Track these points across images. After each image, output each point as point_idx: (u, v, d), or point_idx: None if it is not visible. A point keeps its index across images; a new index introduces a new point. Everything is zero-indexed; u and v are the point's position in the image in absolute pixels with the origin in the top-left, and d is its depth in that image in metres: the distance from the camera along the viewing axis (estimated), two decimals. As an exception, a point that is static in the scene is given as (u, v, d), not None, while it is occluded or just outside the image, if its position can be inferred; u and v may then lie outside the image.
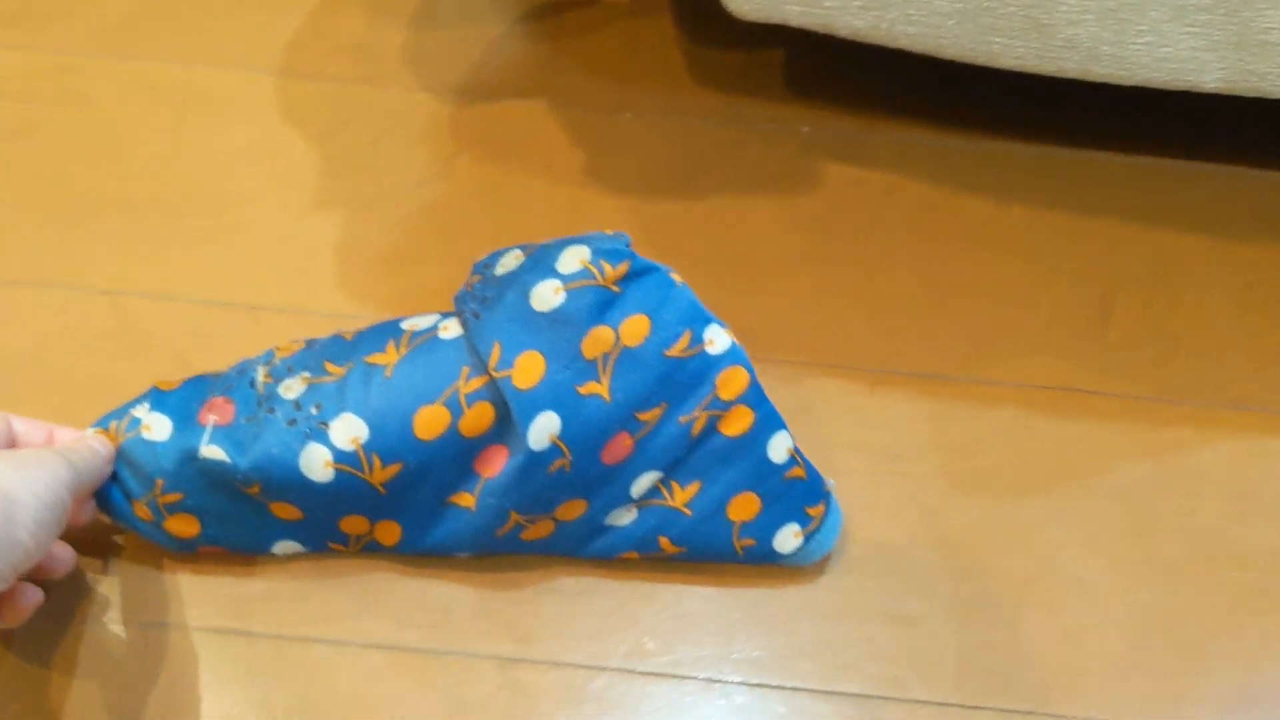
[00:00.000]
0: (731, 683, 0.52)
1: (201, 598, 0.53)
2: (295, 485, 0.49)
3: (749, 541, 0.53)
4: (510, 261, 0.53)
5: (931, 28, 0.61)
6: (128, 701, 0.50)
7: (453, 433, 0.49)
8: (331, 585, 0.53)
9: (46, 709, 0.49)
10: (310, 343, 0.54)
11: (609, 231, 0.53)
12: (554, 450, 0.49)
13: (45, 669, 0.51)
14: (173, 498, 0.49)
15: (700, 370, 0.51)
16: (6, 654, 0.51)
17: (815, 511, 0.53)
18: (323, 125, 0.72)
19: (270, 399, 0.50)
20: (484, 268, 0.54)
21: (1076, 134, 0.74)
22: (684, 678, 0.52)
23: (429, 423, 0.49)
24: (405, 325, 0.53)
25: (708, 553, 0.53)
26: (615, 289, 0.50)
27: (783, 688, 0.52)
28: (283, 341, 0.54)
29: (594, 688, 0.51)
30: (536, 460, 0.49)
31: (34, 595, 0.48)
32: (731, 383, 0.51)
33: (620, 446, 0.51)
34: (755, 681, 0.52)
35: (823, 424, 0.60)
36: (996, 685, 0.52)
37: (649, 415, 0.51)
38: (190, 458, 0.49)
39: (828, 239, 0.68)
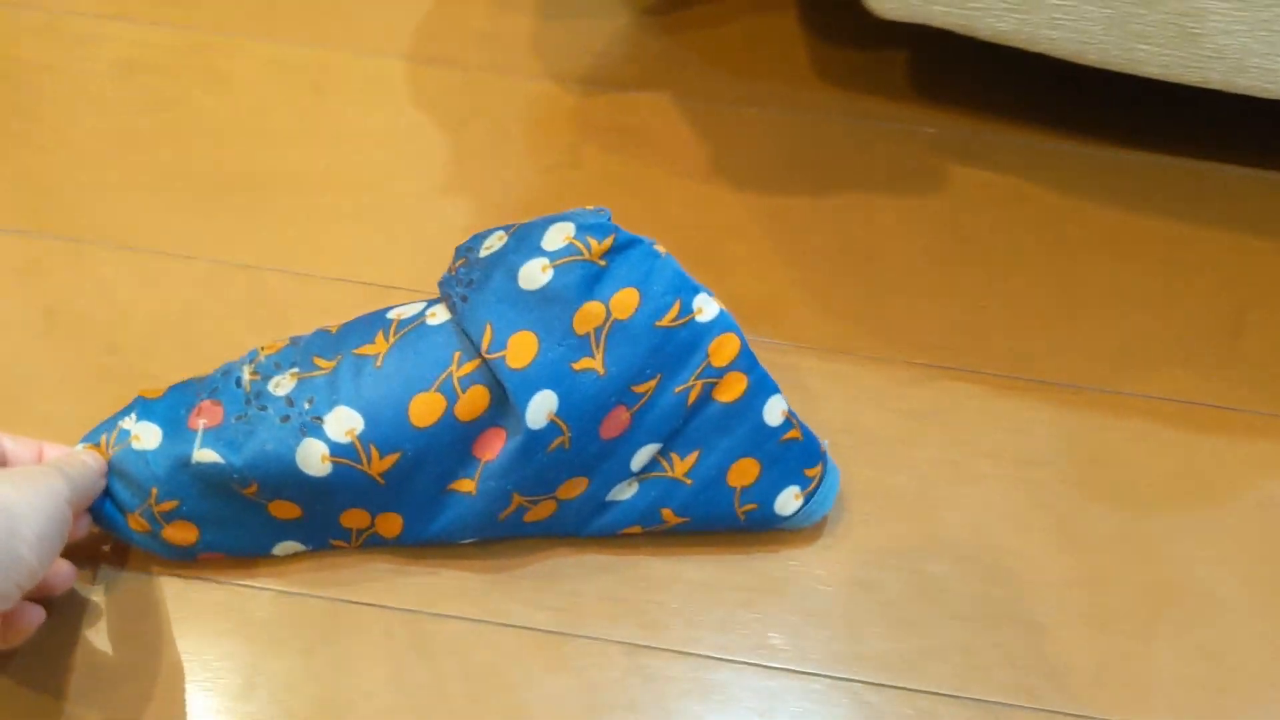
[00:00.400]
0: (860, 682, 0.52)
1: (331, 571, 0.53)
2: (293, 482, 0.49)
3: (750, 506, 0.53)
4: (494, 242, 0.53)
5: (1077, 32, 0.61)
6: (266, 664, 0.51)
7: (449, 418, 0.49)
8: (461, 565, 0.53)
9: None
10: (295, 339, 0.54)
11: (590, 207, 0.53)
12: (552, 428, 0.49)
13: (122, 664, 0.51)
14: (168, 505, 0.49)
15: (692, 339, 0.51)
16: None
17: (813, 473, 0.53)
18: (452, 111, 0.72)
19: (260, 396, 0.50)
20: (467, 250, 0.54)
21: (1206, 144, 0.72)
22: (811, 674, 0.52)
23: (424, 410, 0.49)
24: (391, 315, 0.53)
25: (710, 521, 0.53)
26: (602, 263, 0.50)
27: (911, 690, 0.52)
28: (265, 341, 0.54)
29: (720, 679, 0.51)
30: (536, 439, 0.49)
31: (36, 614, 0.47)
32: (723, 349, 0.51)
33: (618, 420, 0.50)
34: (883, 682, 0.52)
35: (952, 428, 0.60)
36: (1131, 698, 0.51)
37: (644, 387, 0.51)
38: (183, 464, 0.49)
39: (955, 241, 0.68)
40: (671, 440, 0.52)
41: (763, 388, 0.52)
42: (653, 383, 0.51)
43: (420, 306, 0.53)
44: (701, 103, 0.74)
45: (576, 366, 0.49)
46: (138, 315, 0.61)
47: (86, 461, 0.48)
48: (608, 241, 0.50)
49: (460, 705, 0.50)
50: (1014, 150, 0.73)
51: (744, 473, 0.53)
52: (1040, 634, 0.53)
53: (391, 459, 0.49)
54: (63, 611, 0.51)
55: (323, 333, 0.54)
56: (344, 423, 0.49)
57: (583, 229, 0.50)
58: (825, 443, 0.54)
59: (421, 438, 0.49)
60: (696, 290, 0.52)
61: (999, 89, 0.75)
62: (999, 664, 0.52)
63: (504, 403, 0.49)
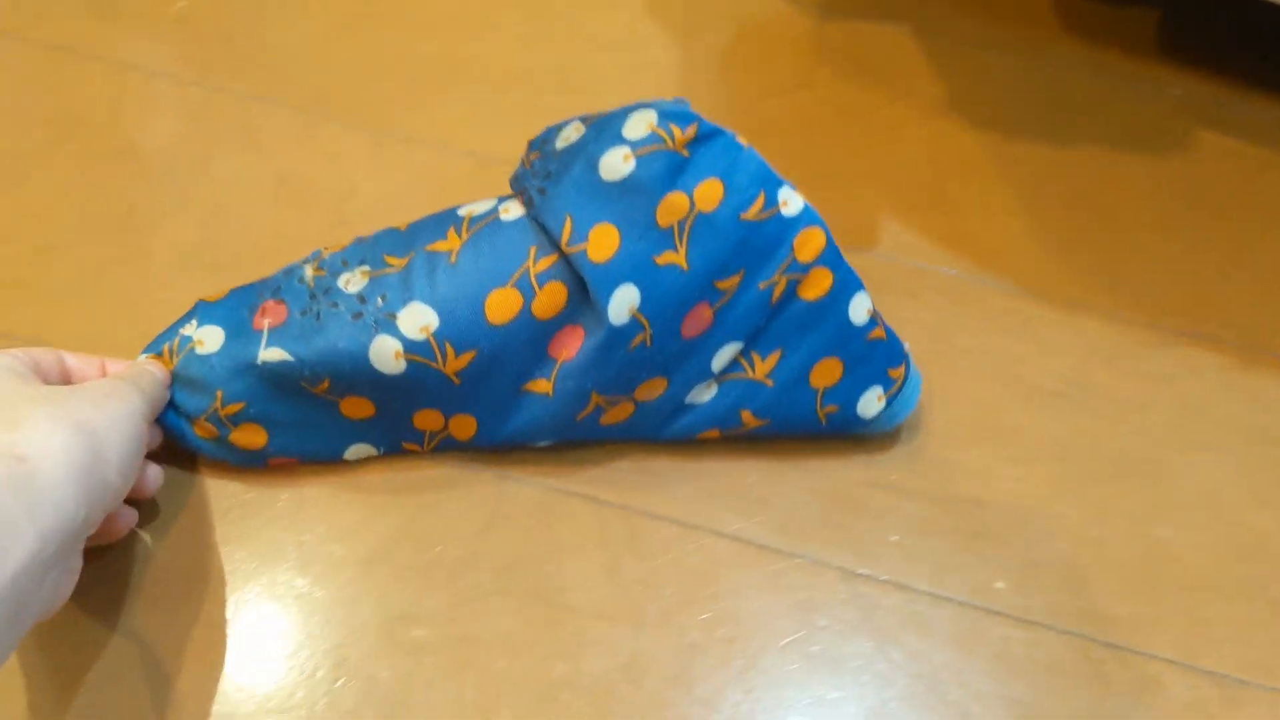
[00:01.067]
0: (1083, 637, 0.49)
1: (536, 465, 0.52)
2: (366, 379, 0.47)
3: (832, 408, 0.51)
4: (571, 134, 0.50)
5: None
6: (486, 544, 0.50)
7: (526, 315, 0.47)
8: (676, 472, 0.52)
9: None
10: (362, 238, 0.52)
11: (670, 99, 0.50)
12: (635, 324, 0.47)
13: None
14: (235, 408, 0.48)
15: (777, 233, 0.48)
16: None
17: (896, 374, 0.51)
18: (684, 22, 0.71)
19: (330, 293, 0.48)
20: (542, 143, 0.51)
21: None
22: (1033, 623, 0.50)
23: (501, 306, 0.47)
24: (462, 212, 0.51)
25: (790, 423, 0.51)
26: (685, 153, 0.47)
27: (1140, 653, 0.49)
28: (327, 242, 0.52)
29: (939, 616, 0.50)
30: (617, 336, 0.46)
31: (129, 517, 0.47)
32: (809, 244, 0.48)
33: (700, 318, 0.48)
34: (1109, 641, 0.49)
35: (1188, 395, 0.57)
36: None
37: (728, 283, 0.48)
38: (249, 365, 0.47)
39: (1198, 207, 0.65)
40: (754, 339, 0.50)
41: (848, 284, 0.49)
42: (737, 278, 0.48)
43: (493, 203, 0.51)
44: (944, 40, 0.71)
45: (660, 260, 0.47)
46: (366, 190, 0.61)
47: (154, 372, 0.47)
48: (691, 130, 0.47)
49: (673, 606, 0.49)
50: (1263, 120, 0.69)
51: (828, 372, 0.50)
52: (1276, 614, 0.50)
53: (467, 357, 0.47)
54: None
55: (392, 230, 0.52)
56: (419, 319, 0.47)
57: (665, 116, 0.47)
58: (907, 345, 0.52)
59: (498, 335, 0.47)
60: (781, 183, 0.49)
61: (1251, 55, 0.71)
62: (1230, 638, 0.50)
63: (583, 300, 0.47)
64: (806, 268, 0.49)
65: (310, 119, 0.63)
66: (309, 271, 0.50)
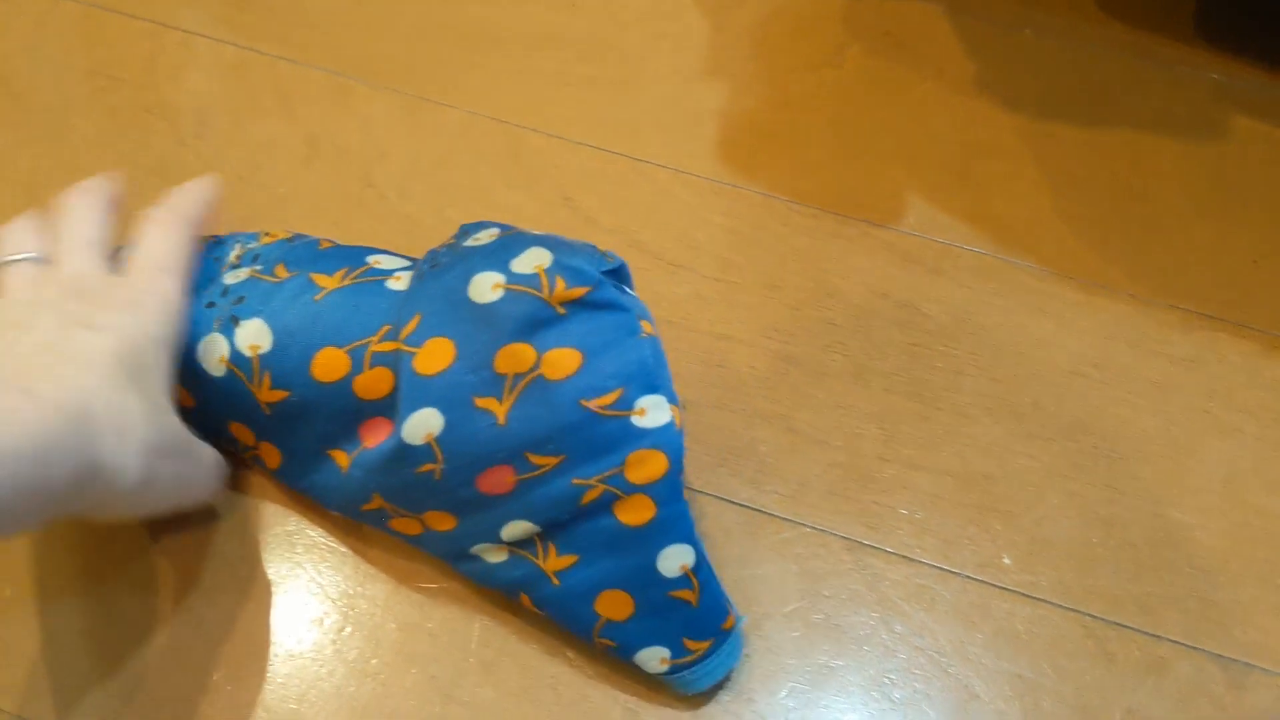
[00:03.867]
0: (1092, 616, 0.49)
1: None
2: (189, 371, 0.46)
3: (608, 643, 0.45)
4: (483, 237, 0.46)
5: None
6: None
7: (346, 385, 0.44)
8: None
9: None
10: (294, 238, 0.50)
11: (603, 250, 0.46)
12: (427, 451, 0.43)
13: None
14: None
15: (615, 437, 0.42)
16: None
17: (696, 646, 0.45)
18: (717, -4, 0.71)
19: (216, 280, 0.48)
20: (463, 234, 0.48)
21: None
22: (1039, 600, 0.50)
23: (327, 365, 0.44)
24: (370, 259, 0.48)
25: (568, 628, 0.46)
26: (560, 310, 0.43)
27: (1147, 634, 0.49)
28: (276, 229, 0.52)
29: (944, 590, 0.50)
30: (408, 453, 0.43)
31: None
32: (645, 466, 0.43)
33: (500, 479, 0.43)
34: (1116, 620, 0.49)
35: (1212, 379, 0.56)
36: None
37: (542, 460, 0.43)
38: None
39: (1232, 194, 0.64)
40: (552, 530, 0.44)
41: (672, 529, 0.44)
42: (553, 460, 0.43)
43: (398, 264, 0.48)
44: (977, 20, 0.71)
45: (479, 403, 0.43)
46: (395, 154, 0.62)
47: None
48: (578, 290, 0.43)
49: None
50: (1303, 107, 0.68)
51: (616, 605, 0.44)
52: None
53: (280, 394, 0.45)
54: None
55: (314, 244, 0.50)
56: (253, 336, 0.45)
57: (559, 266, 0.43)
58: (743, 619, 0.47)
59: (315, 389, 0.45)
60: (653, 390, 0.43)
61: (1293, 43, 0.70)
62: (1238, 622, 0.49)
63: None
64: (630, 489, 0.43)
65: (342, 82, 0.64)
66: (236, 251, 0.49)
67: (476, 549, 0.46)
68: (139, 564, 0.48)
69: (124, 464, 0.38)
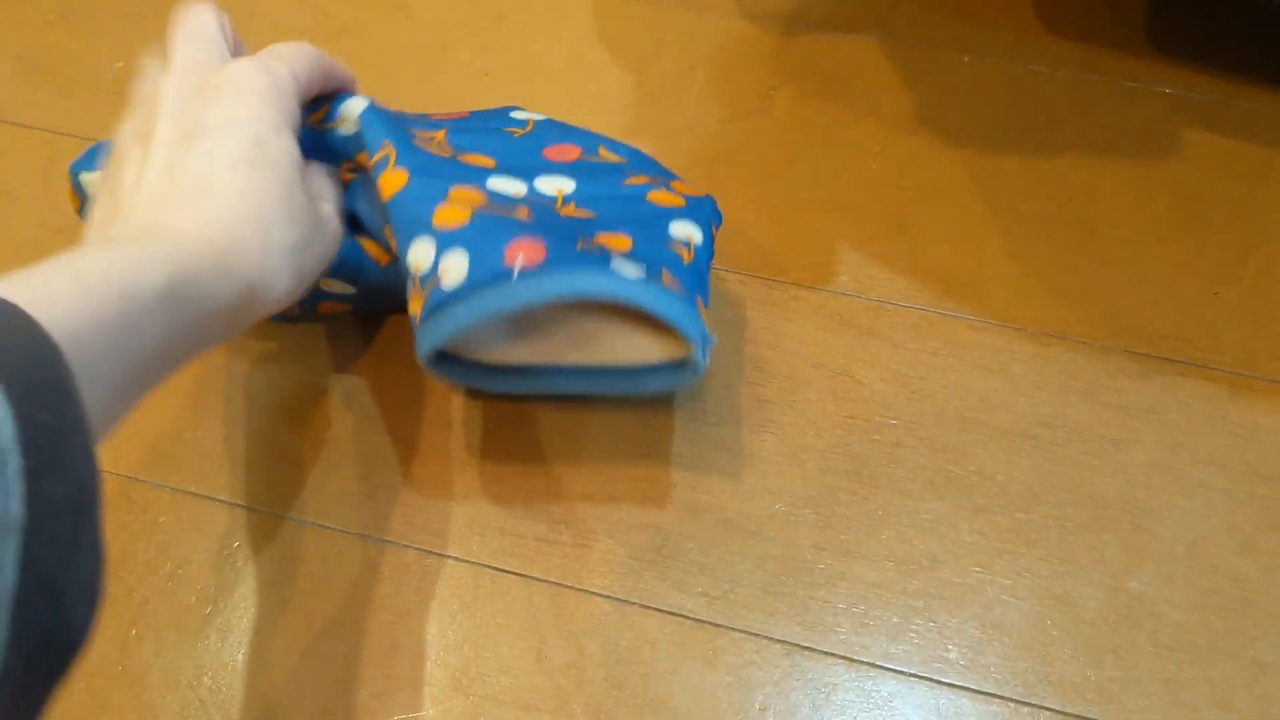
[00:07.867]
0: (1048, 709, 0.46)
1: (478, 540, 0.50)
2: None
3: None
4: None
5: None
6: (407, 625, 0.48)
7: None
8: (612, 539, 0.50)
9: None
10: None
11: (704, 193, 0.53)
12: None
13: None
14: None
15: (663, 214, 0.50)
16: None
17: (673, 285, 0.45)
18: (638, 48, 0.68)
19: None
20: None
21: None
22: (991, 695, 0.46)
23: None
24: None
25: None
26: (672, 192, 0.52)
27: (1107, 725, 0.45)
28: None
29: (887, 691, 0.46)
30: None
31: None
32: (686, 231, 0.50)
33: (566, 152, 0.52)
34: (1074, 711, 0.46)
35: (1172, 430, 0.53)
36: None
37: (600, 157, 0.52)
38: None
39: (1190, 216, 0.60)
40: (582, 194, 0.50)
41: (695, 213, 0.50)
42: (612, 157, 0.53)
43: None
44: (914, 48, 0.67)
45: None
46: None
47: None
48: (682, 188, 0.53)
49: (600, 691, 0.46)
50: (1263, 118, 0.64)
51: (615, 242, 0.47)
52: (1262, 674, 0.46)
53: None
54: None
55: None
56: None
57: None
58: (714, 339, 0.46)
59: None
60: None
61: (1249, 50, 0.66)
62: (1209, 704, 0.46)
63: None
64: (671, 201, 0.51)
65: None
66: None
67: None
68: None
69: (274, 280, 0.40)
